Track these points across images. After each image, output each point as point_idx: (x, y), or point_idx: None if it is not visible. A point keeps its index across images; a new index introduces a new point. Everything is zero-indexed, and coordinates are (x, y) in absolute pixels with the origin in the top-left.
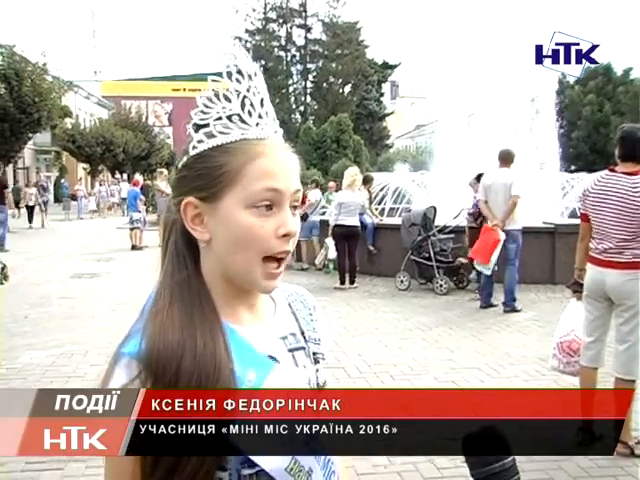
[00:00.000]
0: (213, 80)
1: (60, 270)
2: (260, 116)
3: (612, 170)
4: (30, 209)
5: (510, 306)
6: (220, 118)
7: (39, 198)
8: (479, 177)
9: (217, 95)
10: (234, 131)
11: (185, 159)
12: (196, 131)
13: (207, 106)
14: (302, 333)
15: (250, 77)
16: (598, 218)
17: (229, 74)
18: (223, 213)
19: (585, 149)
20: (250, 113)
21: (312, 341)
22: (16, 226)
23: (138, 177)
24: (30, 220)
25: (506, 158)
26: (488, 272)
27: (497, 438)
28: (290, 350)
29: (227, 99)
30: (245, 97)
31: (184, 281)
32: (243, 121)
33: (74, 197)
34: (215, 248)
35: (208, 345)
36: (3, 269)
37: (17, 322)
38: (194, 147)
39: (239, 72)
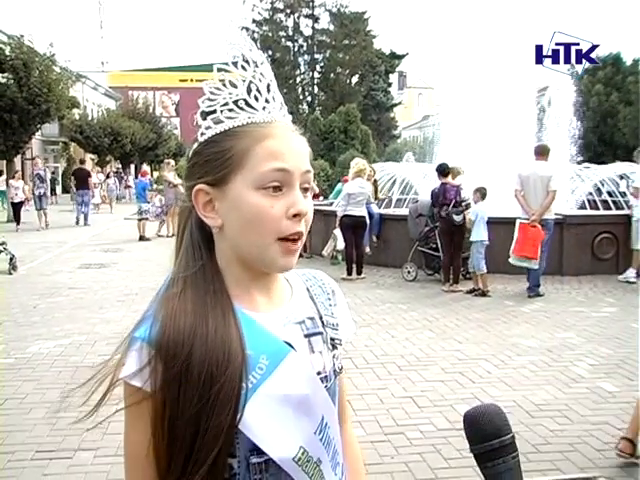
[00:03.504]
0: (219, 69)
1: (68, 261)
2: (267, 100)
3: None
4: (16, 207)
5: (534, 291)
6: (227, 104)
7: (37, 190)
8: (440, 167)
9: (223, 82)
10: (241, 115)
11: (194, 147)
12: (204, 118)
13: (214, 93)
14: (320, 318)
15: (256, 64)
16: None
17: (234, 62)
18: (233, 196)
19: (593, 140)
20: (256, 98)
21: (330, 326)
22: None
23: (146, 168)
24: (17, 219)
25: (542, 151)
26: (536, 266)
27: (497, 415)
28: (306, 335)
29: (233, 85)
30: (251, 82)
31: (199, 270)
32: (249, 105)
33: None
34: (228, 233)
35: (219, 330)
36: (12, 259)
37: (26, 312)
38: (202, 134)
39: (244, 60)
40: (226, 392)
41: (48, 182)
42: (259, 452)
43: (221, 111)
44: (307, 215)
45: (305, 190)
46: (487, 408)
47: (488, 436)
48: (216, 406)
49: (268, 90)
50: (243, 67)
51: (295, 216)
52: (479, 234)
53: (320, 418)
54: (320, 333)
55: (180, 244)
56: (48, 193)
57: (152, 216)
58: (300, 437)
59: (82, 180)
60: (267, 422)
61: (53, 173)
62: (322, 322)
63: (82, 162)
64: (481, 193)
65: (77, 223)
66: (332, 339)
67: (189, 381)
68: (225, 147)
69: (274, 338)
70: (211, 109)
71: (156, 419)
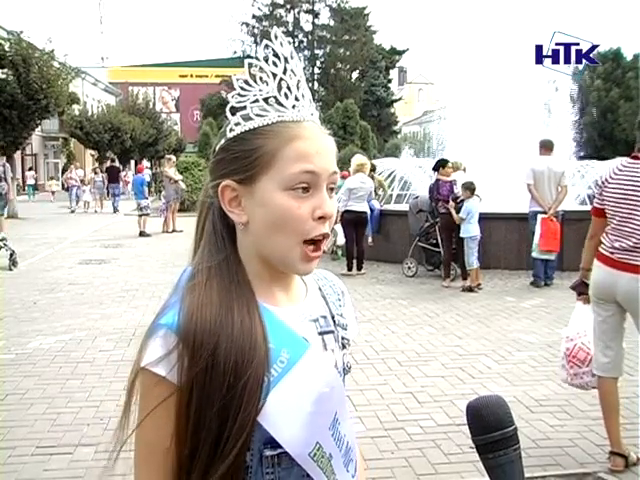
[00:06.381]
0: (250, 64)
1: (69, 256)
2: (297, 98)
3: (635, 157)
4: None
5: (553, 279)
6: (257, 101)
7: None
8: (438, 163)
9: (254, 78)
10: (271, 113)
11: (222, 142)
12: (233, 114)
13: (244, 89)
14: (332, 317)
15: (286, 60)
16: (620, 214)
17: (265, 57)
18: (260, 195)
19: (593, 135)
20: (287, 95)
21: (341, 326)
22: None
23: (146, 163)
24: None
25: (548, 146)
26: (553, 257)
27: (500, 407)
28: (320, 333)
29: (264, 82)
30: (281, 80)
31: (223, 260)
32: (280, 103)
33: (65, 187)
34: (253, 230)
35: (245, 322)
36: (12, 255)
37: (26, 308)
38: (231, 130)
39: (275, 55)
40: (252, 384)
41: (9, 179)
42: (273, 445)
43: (251, 108)
44: (332, 217)
45: (331, 190)
46: (490, 399)
47: (490, 427)
48: (243, 398)
49: (298, 88)
50: (274, 63)
51: (321, 218)
52: (468, 230)
53: (333, 414)
54: (332, 332)
55: (201, 236)
56: (12, 194)
57: (159, 211)
58: (316, 432)
59: (113, 176)
60: (285, 416)
61: (60, 165)
62: (334, 321)
63: (113, 160)
64: (470, 189)
65: (114, 212)
66: (342, 338)
67: (216, 371)
68: (254, 146)
69: (294, 333)
70: (241, 105)
71: (181, 410)
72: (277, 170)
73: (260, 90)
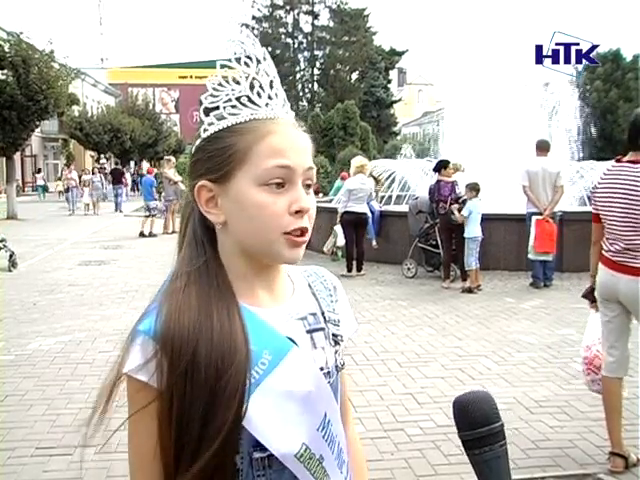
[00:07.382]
0: (222, 65)
1: (68, 257)
2: (270, 97)
3: (618, 160)
4: None
5: (552, 280)
6: (229, 100)
7: None
8: (439, 164)
9: (226, 79)
10: (244, 111)
11: (197, 143)
12: (206, 115)
13: (216, 89)
14: (322, 314)
15: (258, 61)
16: (608, 216)
17: (237, 58)
18: (236, 193)
19: (593, 135)
20: (259, 94)
21: (332, 322)
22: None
23: (146, 164)
24: None
25: (544, 147)
26: (550, 258)
27: (486, 403)
28: (309, 331)
29: (236, 82)
30: (254, 79)
31: (203, 265)
32: (252, 102)
33: (66, 187)
34: (232, 229)
35: (224, 326)
36: (12, 256)
37: (26, 309)
38: (205, 130)
39: (247, 56)
40: (232, 387)
41: None
42: (262, 447)
43: (224, 107)
44: (310, 211)
45: (307, 187)
46: (477, 395)
47: (477, 423)
48: (223, 402)
49: (271, 87)
50: (246, 63)
51: (297, 212)
52: (473, 231)
53: (323, 415)
54: (322, 329)
55: (183, 239)
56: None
57: (159, 212)
58: (302, 433)
59: (117, 178)
60: (269, 417)
61: (60, 166)
62: (324, 318)
63: (117, 163)
64: (475, 189)
65: (116, 211)
66: (334, 335)
67: (195, 377)
68: (228, 144)
69: (277, 334)
70: (214, 105)
71: (163, 415)
72: (251, 166)
73: (232, 90)
